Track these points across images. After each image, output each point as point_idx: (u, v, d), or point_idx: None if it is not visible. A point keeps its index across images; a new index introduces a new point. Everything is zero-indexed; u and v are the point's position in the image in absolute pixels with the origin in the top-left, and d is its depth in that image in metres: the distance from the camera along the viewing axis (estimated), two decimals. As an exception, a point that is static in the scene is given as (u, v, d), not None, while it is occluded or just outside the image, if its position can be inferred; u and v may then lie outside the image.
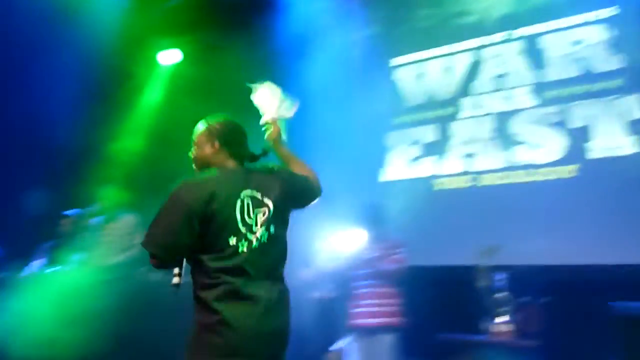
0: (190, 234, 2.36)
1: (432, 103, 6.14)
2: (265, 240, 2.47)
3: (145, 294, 4.84)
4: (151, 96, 6.49)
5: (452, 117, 5.96)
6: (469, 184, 5.72)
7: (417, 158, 6.12)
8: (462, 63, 6.02)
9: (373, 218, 4.85)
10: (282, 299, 2.49)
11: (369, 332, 4.62)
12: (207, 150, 2.60)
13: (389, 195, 5.94)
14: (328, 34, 6.20)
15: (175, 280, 2.43)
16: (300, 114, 6.03)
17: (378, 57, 6.50)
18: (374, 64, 6.49)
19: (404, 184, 6.08)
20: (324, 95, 5.70)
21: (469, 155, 5.78)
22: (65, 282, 4.95)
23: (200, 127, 2.64)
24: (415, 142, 6.16)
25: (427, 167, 6.01)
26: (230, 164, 2.59)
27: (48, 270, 5.48)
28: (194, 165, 2.62)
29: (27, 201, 5.90)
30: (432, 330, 4.71)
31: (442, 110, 6.05)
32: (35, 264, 5.56)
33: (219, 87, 5.94)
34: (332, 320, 5.14)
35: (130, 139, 5.83)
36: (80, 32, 5.71)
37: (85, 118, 5.60)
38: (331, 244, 5.13)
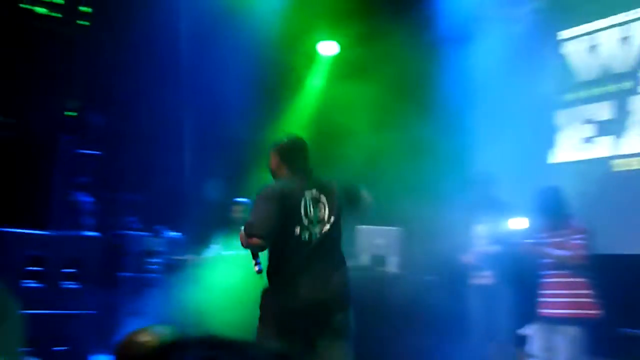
0: (278, 219, 3.20)
1: (607, 77, 5.62)
2: (322, 232, 3.31)
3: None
4: (313, 85, 6.71)
5: (632, 92, 5.41)
6: (654, 165, 5.18)
7: (591, 137, 5.66)
8: (642, 31, 5.43)
9: (550, 203, 4.59)
10: (336, 276, 3.35)
11: (552, 322, 4.45)
12: (273, 164, 3.46)
13: (560, 178, 5.57)
14: (491, 13, 5.96)
15: (257, 268, 3.24)
16: (465, 97, 5.91)
17: (545, 31, 6.08)
18: (541, 39, 6.09)
19: (577, 165, 5.66)
20: (488, 76, 5.51)
21: (654, 133, 5.23)
22: (238, 266, 5.32)
23: (271, 145, 3.49)
24: (589, 120, 5.70)
25: (604, 147, 5.53)
26: (289, 174, 3.39)
27: (224, 254, 5.91)
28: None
29: (205, 189, 6.40)
30: (617, 325, 4.35)
31: (619, 85, 5.52)
32: (213, 248, 6.02)
33: (378, 74, 5.99)
34: (496, 307, 4.98)
35: (294, 127, 6.08)
36: (245, 29, 6.07)
37: (254, 110, 5.95)
38: (497, 228, 4.97)
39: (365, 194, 3.55)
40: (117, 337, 5.72)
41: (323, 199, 3.37)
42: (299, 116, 6.27)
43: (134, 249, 6.34)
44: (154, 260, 6.39)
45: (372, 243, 5.40)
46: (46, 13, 6.54)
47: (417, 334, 4.89)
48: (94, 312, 5.20)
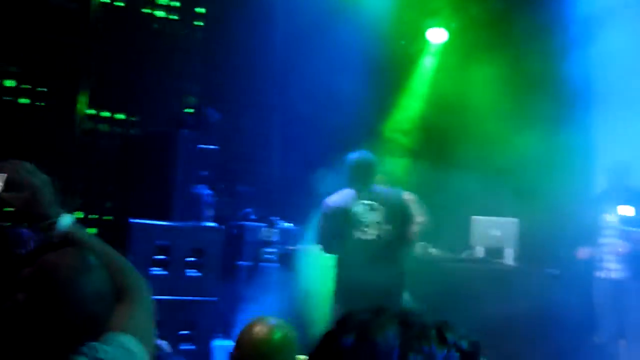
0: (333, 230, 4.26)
1: None
2: (378, 234, 4.19)
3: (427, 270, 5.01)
4: (424, 71, 6.60)
5: None
6: None
7: None
8: None
9: None
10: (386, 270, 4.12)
11: None
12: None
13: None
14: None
15: None
16: (593, 85, 5.54)
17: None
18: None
19: None
20: (610, 54, 5.15)
21: None
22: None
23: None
24: None
25: None
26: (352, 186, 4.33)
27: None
28: None
29: (315, 180, 6.49)
30: None
31: None
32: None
33: (494, 61, 5.79)
34: (626, 302, 4.69)
35: (407, 112, 6.03)
36: (353, 21, 6.07)
37: (367, 97, 5.95)
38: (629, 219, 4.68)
39: (415, 227, 4.29)
40: (236, 323, 6.00)
41: (380, 208, 4.22)
42: (411, 107, 6.20)
43: (251, 239, 6.57)
44: (270, 249, 6.60)
45: (488, 234, 5.25)
46: (164, 16, 6.92)
47: (538, 331, 4.72)
48: (215, 298, 5.45)
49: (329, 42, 6.32)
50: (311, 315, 4.99)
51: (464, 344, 0.86)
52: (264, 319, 2.28)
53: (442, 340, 0.85)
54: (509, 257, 5.15)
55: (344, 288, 4.30)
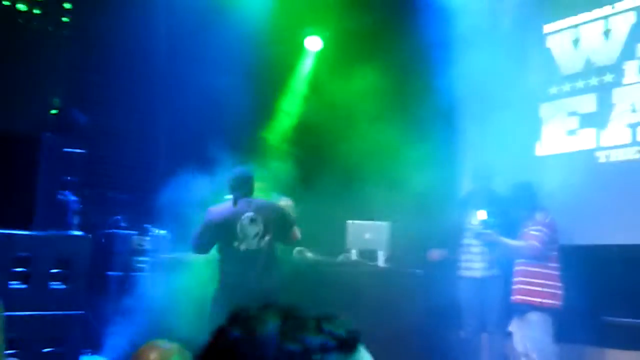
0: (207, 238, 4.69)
1: (590, 70, 5.70)
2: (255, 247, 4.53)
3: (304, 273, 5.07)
4: (302, 77, 6.70)
5: (614, 84, 5.50)
6: (637, 156, 5.26)
7: (575, 130, 5.73)
8: (624, 24, 5.51)
9: (521, 196, 4.85)
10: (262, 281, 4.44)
11: (520, 310, 4.69)
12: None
13: (546, 170, 5.65)
14: (477, 7, 5.99)
15: None
16: (454, 93, 5.94)
17: (530, 24, 6.15)
18: (526, 32, 6.15)
19: (563, 157, 5.74)
20: (473, 69, 5.53)
21: (637, 124, 5.30)
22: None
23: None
24: (573, 113, 5.77)
25: (589, 139, 5.61)
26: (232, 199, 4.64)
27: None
28: None
29: (191, 187, 6.35)
30: (600, 313, 4.45)
31: (602, 77, 5.60)
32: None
33: (361, 70, 6.00)
34: (488, 298, 5.05)
35: (284, 121, 6.08)
36: (231, 25, 6.03)
37: (248, 101, 5.93)
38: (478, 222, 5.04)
39: (296, 231, 4.75)
40: (107, 337, 5.69)
41: (260, 219, 4.55)
42: (290, 112, 6.27)
43: (121, 248, 6.29)
44: (142, 258, 6.35)
45: (362, 237, 5.42)
46: (27, 10, 6.43)
47: (407, 327, 4.94)
48: (83, 312, 5.14)
49: (210, 44, 6.22)
50: (187, 325, 4.84)
51: (342, 333, 0.91)
52: (157, 344, 2.14)
53: (319, 330, 0.89)
54: (381, 259, 5.34)
55: (224, 295, 4.55)
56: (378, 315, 4.85)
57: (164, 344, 2.13)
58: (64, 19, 6.66)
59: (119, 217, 6.55)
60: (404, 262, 5.40)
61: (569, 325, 4.79)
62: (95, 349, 5.74)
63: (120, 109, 6.90)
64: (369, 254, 5.40)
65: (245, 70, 5.92)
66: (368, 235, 5.43)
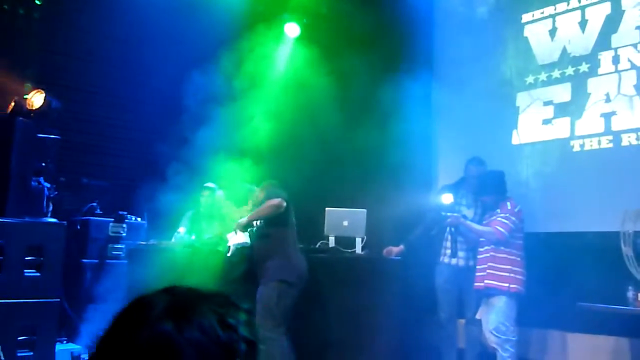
0: None
1: (566, 59, 5.76)
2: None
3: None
4: (280, 66, 6.66)
5: (590, 74, 5.57)
6: (610, 145, 5.35)
7: (551, 118, 5.80)
8: (599, 14, 5.57)
9: (490, 184, 4.93)
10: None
11: (485, 295, 4.80)
12: None
13: (522, 159, 5.72)
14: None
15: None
16: (430, 80, 5.94)
17: (508, 14, 6.19)
18: (504, 22, 6.19)
19: (538, 146, 5.81)
20: (451, 58, 5.57)
21: (610, 114, 5.39)
22: (201, 251, 5.28)
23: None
24: (549, 102, 5.84)
25: (564, 128, 5.68)
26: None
27: (187, 240, 5.85)
28: None
29: (169, 173, 6.29)
30: (572, 298, 4.53)
31: (577, 67, 5.66)
32: (178, 234, 5.95)
33: (337, 56, 5.98)
34: (464, 286, 5.11)
35: (262, 107, 6.04)
36: (210, 7, 5.96)
37: (223, 90, 5.87)
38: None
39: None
40: (82, 325, 5.63)
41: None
42: (267, 95, 6.22)
43: (96, 235, 6.22)
44: (117, 246, 6.29)
45: (340, 225, 5.43)
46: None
47: (384, 314, 4.98)
48: (57, 300, 5.07)
49: (186, 29, 6.14)
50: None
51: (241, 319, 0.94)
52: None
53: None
54: (358, 246, 5.37)
55: None
56: (356, 302, 4.89)
57: None
58: (37, 1, 6.50)
59: (94, 203, 6.47)
60: (381, 249, 5.44)
61: (542, 310, 4.90)
62: (71, 337, 5.69)
63: (95, 94, 6.80)
64: (346, 241, 5.42)
65: (222, 55, 5.85)
66: (346, 223, 5.44)
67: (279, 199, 4.60)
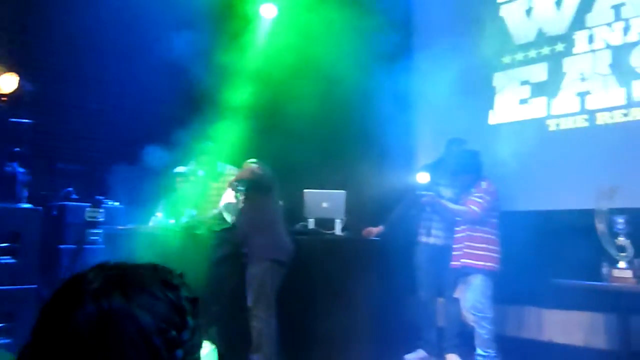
0: None
1: (542, 39, 5.80)
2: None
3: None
4: (256, 47, 6.60)
5: (565, 54, 5.62)
6: (586, 124, 5.42)
7: (528, 98, 5.85)
8: (575, -6, 5.61)
9: (469, 164, 4.97)
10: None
11: (461, 274, 4.88)
12: None
13: (499, 138, 5.77)
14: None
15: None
16: (407, 60, 5.91)
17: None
18: (481, 2, 6.20)
19: (515, 125, 5.86)
20: (429, 40, 5.56)
21: (585, 93, 5.45)
22: (179, 234, 5.25)
23: None
24: (525, 82, 5.88)
25: (540, 108, 5.74)
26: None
27: (166, 223, 5.81)
28: None
29: (146, 157, 6.23)
30: (548, 275, 4.61)
31: (553, 47, 5.71)
32: (155, 218, 5.91)
33: (315, 39, 5.93)
34: (444, 266, 5.16)
35: (239, 87, 5.99)
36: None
37: (199, 72, 5.80)
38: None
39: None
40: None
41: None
42: (244, 74, 6.16)
43: (72, 220, 6.14)
44: (95, 231, 6.22)
45: (319, 206, 5.44)
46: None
47: (364, 293, 5.02)
48: (35, 286, 5.02)
49: (162, 12, 6.03)
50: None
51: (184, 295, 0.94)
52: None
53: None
54: (338, 228, 5.39)
55: None
56: (336, 283, 4.92)
57: None
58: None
59: (70, 188, 6.38)
60: (360, 230, 5.46)
61: (518, 287, 4.98)
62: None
63: (68, 77, 6.66)
64: (326, 223, 5.43)
65: (199, 37, 5.77)
66: (325, 204, 5.45)
67: (256, 166, 4.68)
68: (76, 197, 6.36)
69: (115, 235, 5.73)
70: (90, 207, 6.28)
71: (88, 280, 0.89)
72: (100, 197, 6.43)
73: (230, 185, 4.79)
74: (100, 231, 6.27)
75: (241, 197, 4.78)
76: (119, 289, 0.87)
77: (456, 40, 5.97)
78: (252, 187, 4.68)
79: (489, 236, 4.84)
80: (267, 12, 6.72)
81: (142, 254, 4.99)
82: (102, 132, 6.93)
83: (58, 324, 0.85)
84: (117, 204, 6.59)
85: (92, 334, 0.83)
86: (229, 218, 4.92)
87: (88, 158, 6.91)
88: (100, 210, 6.33)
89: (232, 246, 4.85)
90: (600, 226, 4.37)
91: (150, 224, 5.84)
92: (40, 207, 5.24)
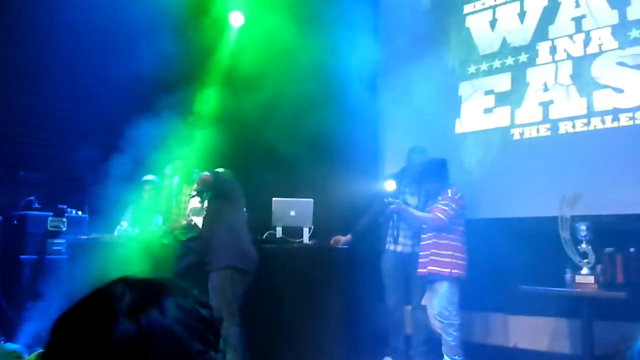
0: None
1: (506, 50, 5.91)
2: None
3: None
4: (224, 55, 6.57)
5: (529, 64, 5.73)
6: (548, 133, 5.53)
7: (492, 108, 5.94)
8: (537, 6, 5.74)
9: (436, 172, 5.02)
10: None
11: (428, 281, 4.91)
12: None
13: (465, 147, 5.84)
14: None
15: None
16: (374, 69, 5.96)
17: (450, 4, 6.29)
18: (447, 12, 6.29)
19: (480, 134, 5.94)
20: (396, 48, 5.61)
21: (548, 103, 5.57)
22: (145, 244, 5.17)
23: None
24: (490, 92, 5.98)
25: (504, 117, 5.84)
26: None
27: (131, 233, 5.72)
28: None
29: (109, 165, 6.14)
30: (514, 282, 4.67)
31: (517, 57, 5.81)
32: (120, 228, 5.81)
33: (280, 45, 5.93)
34: (411, 274, 5.18)
35: (208, 95, 5.95)
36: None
37: (168, 79, 5.74)
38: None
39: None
40: (21, 324, 5.43)
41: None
42: (212, 82, 6.12)
43: (34, 230, 6.00)
44: (57, 240, 6.08)
45: (287, 215, 5.42)
46: None
47: (332, 302, 5.02)
48: (-6, 298, 4.89)
49: (130, 17, 5.95)
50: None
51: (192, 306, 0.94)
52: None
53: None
54: (306, 236, 5.38)
55: None
56: (304, 291, 4.90)
57: None
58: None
59: (31, 197, 6.23)
60: (328, 238, 5.46)
61: (484, 293, 5.04)
62: (9, 335, 5.48)
63: (30, 83, 6.52)
64: (294, 232, 5.42)
65: (168, 45, 5.71)
66: (293, 213, 5.44)
67: (209, 174, 4.68)
68: (38, 206, 6.22)
69: (78, 246, 5.62)
70: (52, 216, 6.14)
71: (117, 295, 0.88)
72: (63, 206, 6.30)
73: (194, 190, 4.78)
74: (63, 241, 6.14)
75: (204, 204, 4.75)
76: (154, 304, 0.88)
77: (423, 50, 6.04)
78: (214, 195, 4.66)
79: (455, 243, 4.88)
80: (235, 20, 6.70)
81: (106, 264, 4.91)
82: (65, 139, 6.79)
83: (93, 340, 0.83)
84: (80, 212, 6.47)
85: (132, 349, 0.83)
86: (199, 222, 4.89)
87: (50, 166, 6.77)
88: (63, 220, 6.20)
89: (197, 256, 4.80)
90: (563, 233, 4.46)
91: (115, 233, 5.75)
92: (0, 217, 5.10)
